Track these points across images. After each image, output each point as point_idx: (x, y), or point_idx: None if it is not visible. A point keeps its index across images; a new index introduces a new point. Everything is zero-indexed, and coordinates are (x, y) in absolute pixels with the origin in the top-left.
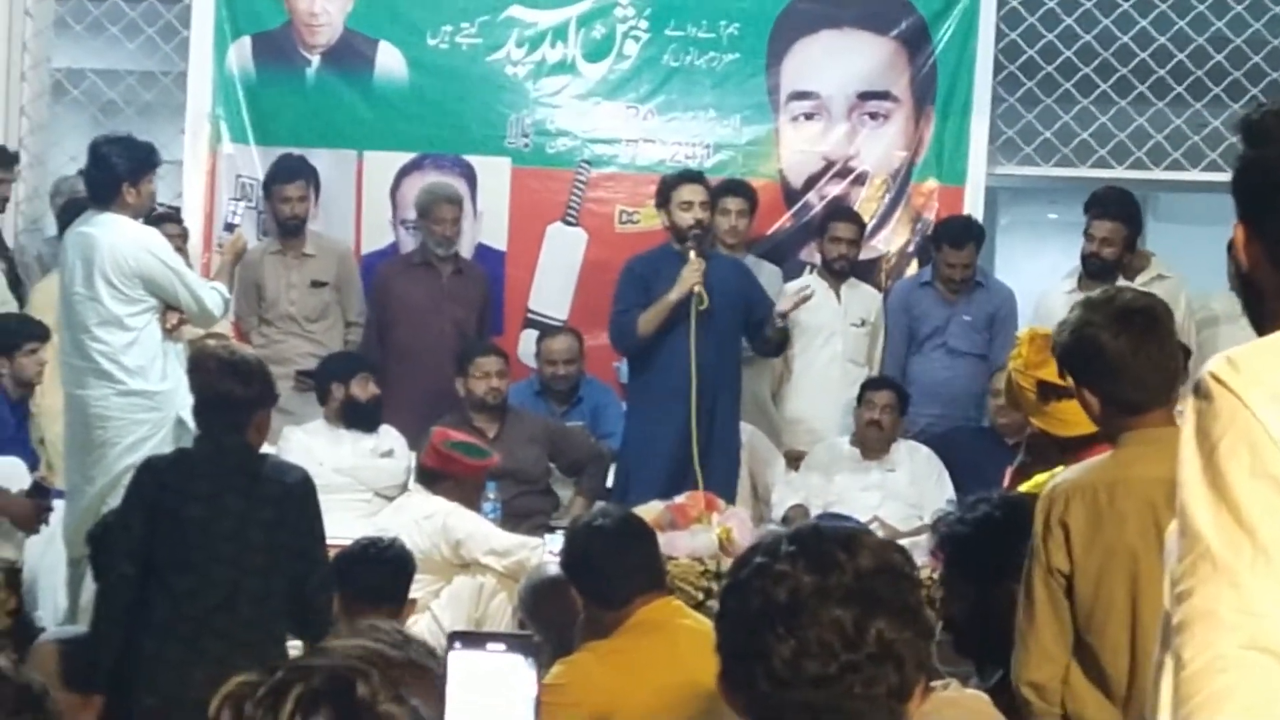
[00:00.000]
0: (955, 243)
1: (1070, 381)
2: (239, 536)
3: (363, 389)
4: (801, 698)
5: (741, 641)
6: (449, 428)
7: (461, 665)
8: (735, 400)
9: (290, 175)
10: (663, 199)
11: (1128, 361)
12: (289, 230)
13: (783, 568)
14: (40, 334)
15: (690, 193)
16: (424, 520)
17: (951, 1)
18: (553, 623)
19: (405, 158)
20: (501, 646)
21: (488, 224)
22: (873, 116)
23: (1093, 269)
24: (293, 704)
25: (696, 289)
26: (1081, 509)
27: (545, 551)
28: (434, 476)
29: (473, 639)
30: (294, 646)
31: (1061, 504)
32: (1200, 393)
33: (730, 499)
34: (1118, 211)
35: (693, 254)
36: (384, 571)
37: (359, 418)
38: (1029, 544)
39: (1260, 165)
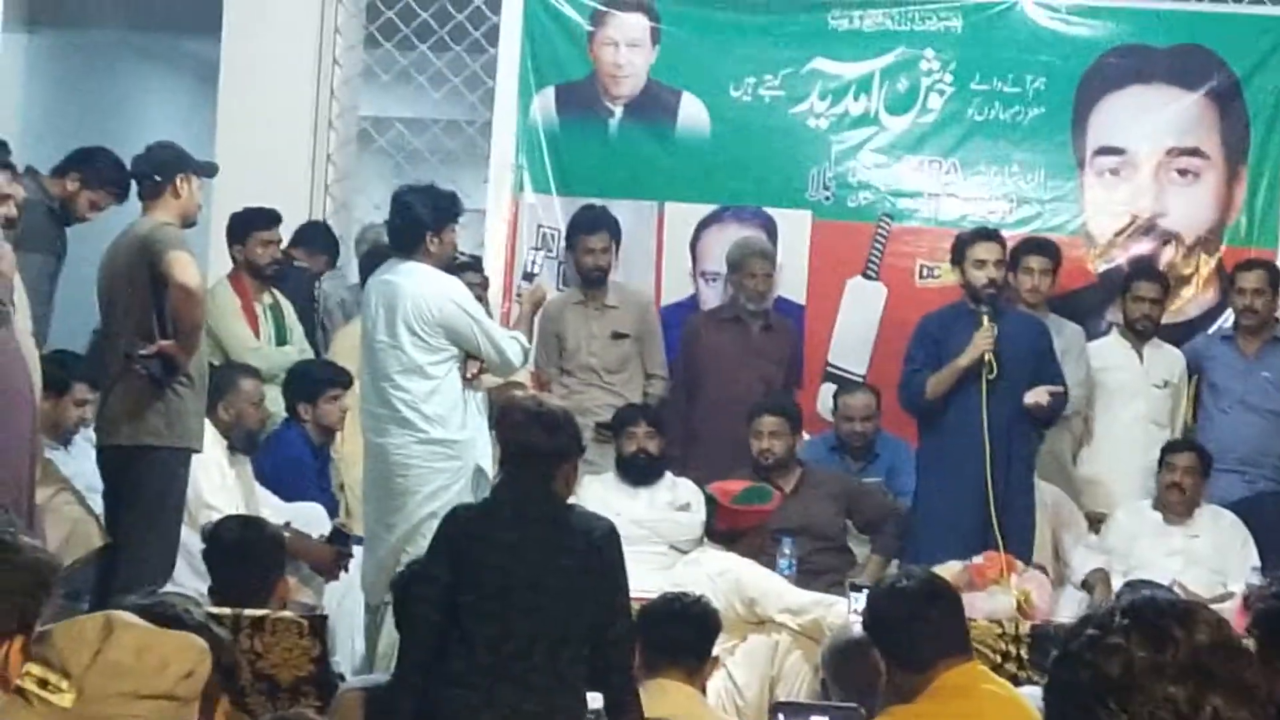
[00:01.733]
0: (1247, 266)
1: None
2: (539, 585)
3: (632, 441)
4: None
5: (1071, 715)
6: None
7: None
8: (1029, 459)
9: (593, 226)
10: (958, 256)
11: None
12: (591, 281)
13: (1115, 640)
14: (343, 380)
15: (985, 251)
16: (717, 577)
17: (1266, 60)
18: (856, 685)
19: (706, 209)
20: (825, 718)
21: (787, 277)
22: (1182, 174)
23: None
24: None
25: (987, 357)
26: None
27: (843, 609)
28: (729, 536)
29: (797, 710)
30: (593, 698)
31: None
32: None
33: (1026, 560)
34: None
35: (985, 319)
36: (689, 627)
37: (634, 471)
38: None
39: None
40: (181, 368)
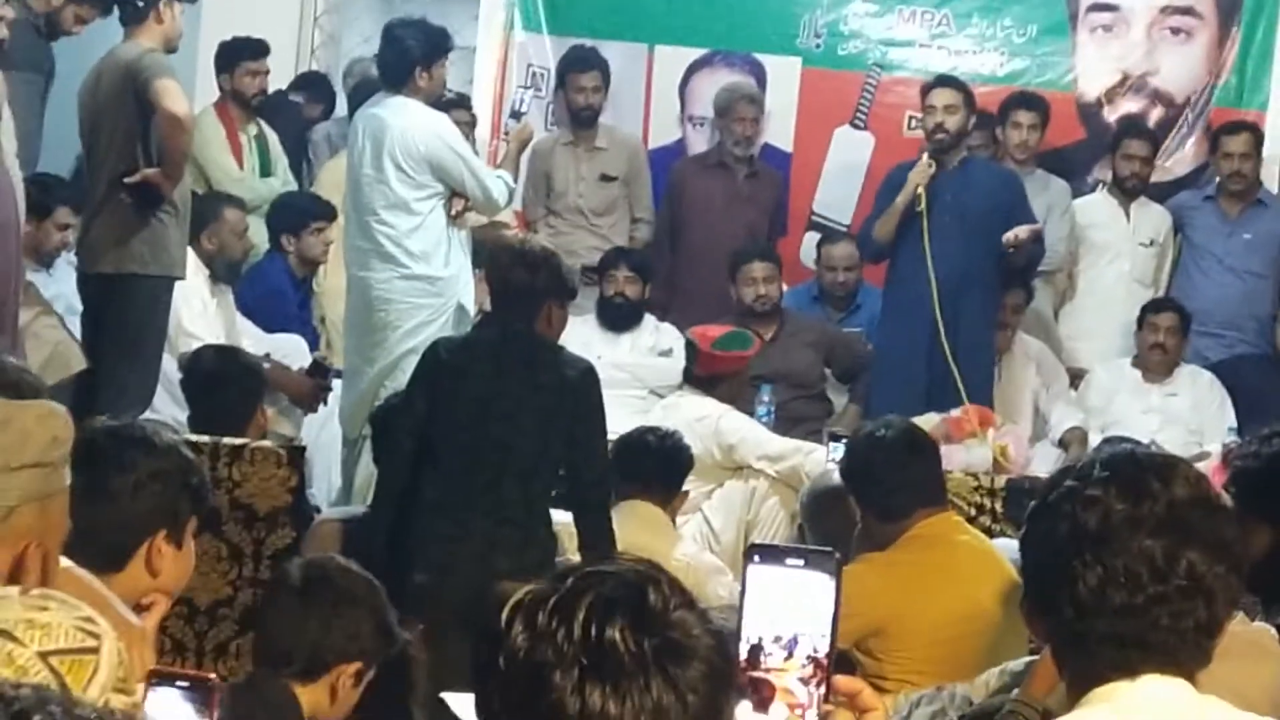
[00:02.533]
0: (1232, 130)
1: None
2: (511, 420)
3: (612, 285)
4: (1106, 627)
5: (1047, 566)
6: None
7: (760, 579)
8: (988, 314)
9: (585, 64)
10: (922, 104)
11: None
12: (582, 121)
13: (1094, 493)
14: (327, 213)
15: (936, 97)
16: (696, 423)
17: None
18: (832, 532)
19: (696, 53)
20: (800, 562)
21: (775, 124)
22: (1174, 32)
23: None
24: (585, 611)
25: (919, 191)
26: None
27: (821, 457)
28: (708, 382)
29: (772, 553)
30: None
31: None
32: None
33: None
34: None
35: (925, 156)
36: (660, 459)
37: (612, 314)
38: None
39: None
40: (166, 196)
